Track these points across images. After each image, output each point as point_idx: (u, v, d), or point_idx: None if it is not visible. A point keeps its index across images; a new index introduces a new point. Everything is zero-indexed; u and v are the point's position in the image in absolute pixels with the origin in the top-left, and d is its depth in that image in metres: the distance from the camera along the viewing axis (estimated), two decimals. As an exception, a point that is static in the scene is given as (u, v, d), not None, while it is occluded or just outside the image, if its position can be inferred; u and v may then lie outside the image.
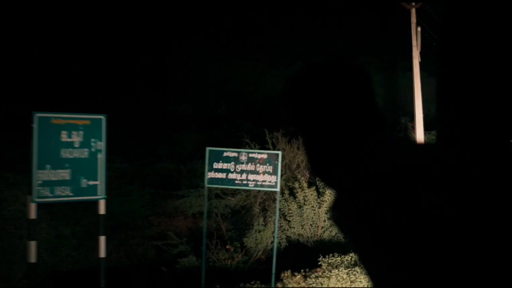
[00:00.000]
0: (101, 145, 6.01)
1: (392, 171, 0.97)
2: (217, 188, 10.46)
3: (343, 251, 8.12)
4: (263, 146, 11.59)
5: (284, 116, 1.13)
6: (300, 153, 11.76)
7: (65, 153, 5.80)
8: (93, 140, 5.95)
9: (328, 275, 7.27)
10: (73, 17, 20.34)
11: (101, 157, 6.00)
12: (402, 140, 1.15)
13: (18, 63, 18.09)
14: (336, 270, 7.39)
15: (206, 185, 8.02)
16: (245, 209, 11.48)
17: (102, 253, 6.07)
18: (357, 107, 1.07)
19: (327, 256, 8.08)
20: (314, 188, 10.60)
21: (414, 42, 14.28)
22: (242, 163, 7.76)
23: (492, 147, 1.47)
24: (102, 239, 6.06)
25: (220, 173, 7.81)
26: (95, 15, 20.76)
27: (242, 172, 7.76)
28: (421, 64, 14.23)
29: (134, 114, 17.37)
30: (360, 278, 6.99)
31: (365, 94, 1.09)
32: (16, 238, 8.92)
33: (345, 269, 7.36)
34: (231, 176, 7.79)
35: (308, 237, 10.51)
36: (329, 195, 10.23)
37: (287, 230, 10.58)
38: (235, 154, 7.84)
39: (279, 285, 7.44)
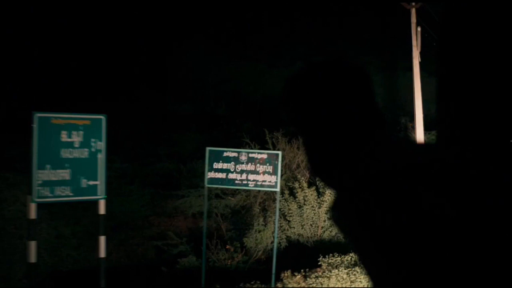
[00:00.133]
0: (101, 145, 6.01)
1: (392, 171, 0.97)
2: (217, 188, 10.46)
3: (343, 251, 8.12)
4: (263, 146, 11.59)
5: (284, 116, 1.13)
6: (300, 153, 11.76)
7: (65, 153, 5.80)
8: (93, 140, 5.95)
9: (328, 275, 7.27)
10: (73, 17, 20.34)
11: (101, 157, 6.01)
12: (402, 140, 1.15)
13: (18, 63, 18.08)
14: (336, 270, 7.39)
15: (206, 185, 8.02)
16: (245, 209, 11.49)
17: (102, 253, 6.07)
18: (357, 107, 1.07)
19: (327, 256, 8.08)
20: (314, 188, 10.60)
21: (414, 42, 14.28)
22: (242, 163, 7.76)
23: (492, 147, 1.47)
24: (102, 239, 6.06)
25: (220, 173, 7.81)
26: (95, 15, 20.76)
27: (242, 172, 7.76)
28: (421, 64, 14.23)
29: (134, 114, 17.37)
30: (360, 278, 6.99)
31: (365, 94, 1.09)
32: (16, 238, 8.92)
33: (345, 269, 7.36)
34: (231, 176, 7.79)
35: (308, 237, 10.51)
36: (329, 195, 10.23)
37: (287, 230, 10.58)
38: (235, 154, 7.84)
39: (279, 285, 7.44)
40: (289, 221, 10.61)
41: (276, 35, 23.45)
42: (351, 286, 6.98)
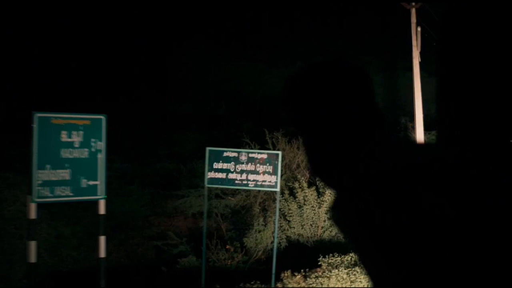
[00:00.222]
0: (101, 145, 6.01)
1: (392, 171, 0.97)
2: (217, 188, 10.46)
3: (343, 251, 8.12)
4: (263, 146, 11.59)
5: (284, 116, 1.13)
6: (300, 153, 11.76)
7: (65, 153, 5.80)
8: (93, 140, 5.95)
9: (328, 275, 7.27)
10: (73, 17, 20.34)
11: (101, 157, 6.01)
12: (402, 140, 1.15)
13: (18, 63, 18.08)
14: (336, 270, 7.39)
15: (206, 185, 8.02)
16: (245, 209, 11.48)
17: (102, 253, 6.07)
18: (357, 107, 1.07)
19: (327, 256, 8.08)
20: (314, 188, 10.60)
21: (414, 42, 14.28)
22: (242, 163, 7.76)
23: (492, 147, 1.47)
24: (102, 239, 6.06)
25: (220, 173, 7.81)
26: (95, 15, 20.76)
27: (242, 172, 7.76)
28: (421, 64, 14.23)
29: (134, 114, 17.37)
30: (360, 278, 6.99)
31: (365, 94, 1.09)
32: (16, 238, 8.92)
33: (345, 269, 7.36)
34: (231, 176, 7.79)
35: (308, 237, 10.51)
36: (329, 195, 10.23)
37: (287, 230, 10.58)
38: (235, 154, 7.84)
39: (279, 285, 7.44)
40: (289, 221, 10.61)
41: (276, 35, 23.46)
42: (351, 286, 6.98)
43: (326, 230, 10.49)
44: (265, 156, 7.83)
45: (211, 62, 21.88)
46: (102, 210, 6.03)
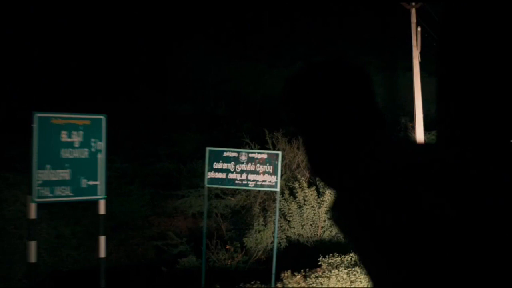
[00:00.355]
0: (101, 145, 6.01)
1: (392, 171, 0.97)
2: (217, 188, 10.46)
3: (343, 251, 8.12)
4: (263, 146, 11.59)
5: (284, 116, 1.13)
6: (300, 153, 11.76)
7: (65, 153, 5.80)
8: (93, 140, 5.95)
9: (328, 275, 7.27)
10: (73, 17, 20.34)
11: (101, 157, 6.01)
12: (402, 140, 1.15)
13: (18, 63, 18.08)
14: (336, 270, 7.39)
15: (206, 185, 8.02)
16: (245, 209, 11.48)
17: (102, 253, 6.07)
18: (357, 107, 1.07)
19: (327, 256, 8.08)
20: (314, 188, 10.60)
21: (414, 42, 14.28)
22: (242, 163, 7.76)
23: (492, 147, 1.47)
24: (102, 239, 6.06)
25: (220, 173, 7.81)
26: (95, 15, 20.76)
27: (242, 172, 7.76)
28: (421, 64, 14.23)
29: (134, 114, 17.37)
30: (360, 278, 6.99)
31: (365, 94, 1.09)
32: (16, 238, 8.92)
33: (345, 269, 7.36)
34: (231, 176, 7.79)
35: (308, 237, 10.51)
36: (329, 195, 10.23)
37: (287, 230, 10.58)
38: (235, 154, 7.84)
39: (279, 285, 7.44)
40: (289, 221, 10.61)
41: (276, 35, 23.46)
42: (351, 286, 6.98)
43: (326, 230, 10.49)
44: (265, 156, 7.83)
45: (211, 62, 21.88)
46: (102, 210, 6.03)
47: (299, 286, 7.25)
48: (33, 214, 5.64)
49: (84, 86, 18.46)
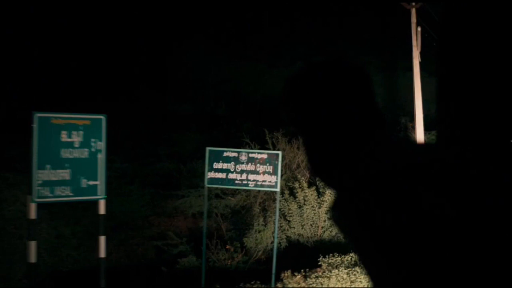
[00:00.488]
0: (101, 145, 6.01)
1: (392, 171, 0.97)
2: (217, 188, 10.46)
3: (343, 251, 8.12)
4: (263, 146, 11.59)
5: (284, 116, 1.13)
6: (300, 153, 11.76)
7: (65, 153, 5.80)
8: (93, 140, 5.95)
9: (328, 275, 7.27)
10: (73, 17, 20.34)
11: (101, 157, 6.01)
12: (402, 140, 1.15)
13: (18, 63, 18.08)
14: (336, 270, 7.39)
15: (206, 185, 8.02)
16: (245, 209, 11.48)
17: (102, 253, 6.07)
18: (357, 107, 1.07)
19: (327, 256, 8.08)
20: (314, 188, 10.60)
21: (414, 42, 14.28)
22: (242, 163, 7.76)
23: (492, 147, 1.47)
24: (102, 239, 6.06)
25: (220, 173, 7.81)
26: (95, 15, 20.76)
27: (242, 172, 7.76)
28: (421, 64, 14.23)
29: (134, 114, 17.37)
30: (360, 278, 6.99)
31: (365, 94, 1.09)
32: (16, 238, 8.92)
33: (345, 269, 7.36)
34: (231, 176, 7.79)
35: (308, 237, 10.51)
36: (329, 195, 10.23)
37: (287, 230, 10.58)
38: (235, 154, 7.84)
39: (279, 285, 7.44)
40: (289, 221, 10.61)
41: (276, 35, 23.45)
42: (351, 286, 6.98)
43: (326, 230, 10.49)
44: (265, 156, 7.83)
45: (211, 62, 21.88)
46: (102, 210, 6.03)
47: (299, 286, 7.25)
48: (33, 214, 5.64)
49: (84, 86, 18.46)
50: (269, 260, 8.87)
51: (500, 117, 1.46)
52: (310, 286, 7.20)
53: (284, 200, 10.61)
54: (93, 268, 7.36)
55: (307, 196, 10.51)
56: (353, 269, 7.33)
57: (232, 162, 7.79)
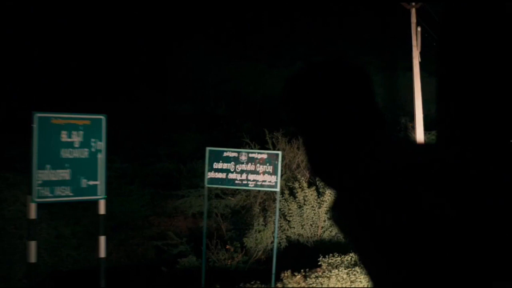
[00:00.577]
0: (101, 145, 6.01)
1: (392, 171, 0.97)
2: (217, 188, 10.46)
3: (343, 251, 8.12)
4: (263, 146, 11.58)
5: (284, 116, 1.13)
6: (300, 153, 11.76)
7: (65, 153, 5.80)
8: (93, 140, 5.95)
9: (328, 275, 7.27)
10: (73, 17, 20.34)
11: (101, 157, 6.01)
12: (402, 140, 1.15)
13: (18, 63, 18.08)
14: (336, 270, 7.39)
15: (206, 185, 8.02)
16: (245, 209, 11.48)
17: (102, 253, 6.07)
18: (357, 107, 1.07)
19: (327, 256, 8.08)
20: (314, 188, 10.60)
21: (414, 42, 14.28)
22: (242, 163, 7.76)
23: (492, 147, 1.47)
24: (102, 239, 6.06)
25: (220, 173, 7.81)
26: (95, 15, 20.76)
27: (242, 172, 7.76)
28: (421, 64, 14.23)
29: (134, 114, 17.37)
30: (360, 278, 6.99)
31: (365, 94, 1.09)
32: (16, 238, 8.92)
33: (345, 269, 7.36)
34: (231, 176, 7.79)
35: (308, 237, 10.51)
36: (329, 195, 10.23)
37: (287, 230, 10.58)
38: (235, 154, 7.84)
39: (279, 285, 7.44)
40: (289, 221, 10.61)
41: (276, 35, 23.45)
42: (351, 286, 6.98)
43: (326, 230, 10.49)
44: (265, 156, 7.83)
45: (211, 62, 21.88)
46: (102, 210, 6.03)
47: (299, 286, 7.25)
48: (33, 214, 5.64)
49: (84, 86, 18.46)
50: (269, 260, 8.87)
51: (500, 117, 1.46)
52: (310, 286, 7.20)
53: (284, 200, 10.61)
54: (93, 268, 7.36)
55: (307, 196, 10.51)
56: (353, 269, 7.33)
57: (232, 162, 7.79)
